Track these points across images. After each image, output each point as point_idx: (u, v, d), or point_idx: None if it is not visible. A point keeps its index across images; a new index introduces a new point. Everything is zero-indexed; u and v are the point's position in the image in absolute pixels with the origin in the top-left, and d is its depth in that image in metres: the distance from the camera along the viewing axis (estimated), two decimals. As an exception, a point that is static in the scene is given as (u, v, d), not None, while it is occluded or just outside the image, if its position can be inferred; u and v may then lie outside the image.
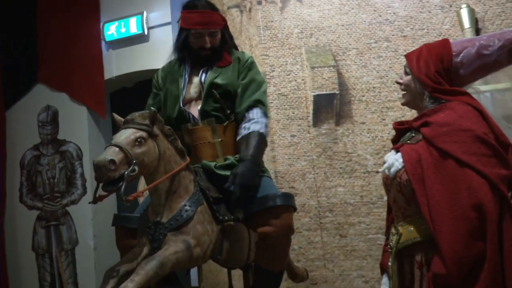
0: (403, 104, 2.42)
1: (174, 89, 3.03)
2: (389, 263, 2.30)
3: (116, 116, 2.64)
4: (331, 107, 4.28)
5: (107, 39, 5.25)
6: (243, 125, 2.89)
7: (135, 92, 5.43)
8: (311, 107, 4.31)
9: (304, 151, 4.29)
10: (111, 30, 5.24)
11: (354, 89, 4.26)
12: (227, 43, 3.07)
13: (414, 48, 2.43)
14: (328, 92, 4.29)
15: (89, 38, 5.33)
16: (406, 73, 2.37)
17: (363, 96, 4.24)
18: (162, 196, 2.59)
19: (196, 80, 3.01)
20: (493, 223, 2.02)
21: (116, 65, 5.28)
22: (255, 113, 2.91)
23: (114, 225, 2.94)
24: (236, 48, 3.18)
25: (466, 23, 3.92)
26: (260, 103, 2.93)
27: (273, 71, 4.35)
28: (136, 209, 2.98)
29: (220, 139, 2.91)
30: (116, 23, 5.23)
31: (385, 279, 2.40)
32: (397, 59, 4.13)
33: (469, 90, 2.47)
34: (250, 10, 4.51)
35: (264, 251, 2.78)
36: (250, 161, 2.77)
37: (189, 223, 2.57)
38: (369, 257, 4.04)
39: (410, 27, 4.19)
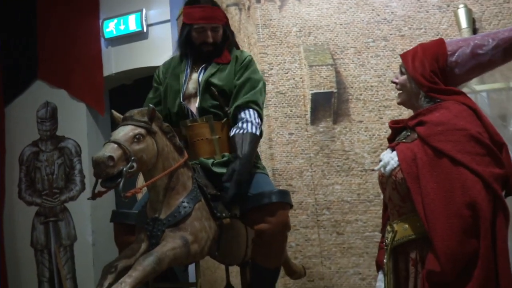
0: (399, 104, 2.44)
1: (175, 84, 3.05)
2: (385, 260, 2.31)
3: (115, 113, 2.66)
4: (329, 106, 4.29)
5: (106, 36, 5.25)
6: (237, 124, 2.90)
7: (134, 89, 5.43)
8: (309, 105, 4.31)
9: (302, 149, 4.30)
10: (110, 27, 5.24)
11: (351, 87, 4.27)
12: (228, 39, 3.08)
13: (411, 48, 2.45)
14: (326, 90, 4.29)
15: (88, 35, 5.33)
16: (402, 73, 2.38)
17: (361, 94, 4.25)
18: (160, 193, 2.61)
19: (195, 76, 3.03)
20: (487, 221, 2.04)
21: (115, 62, 5.28)
22: (248, 113, 2.92)
23: (112, 221, 2.96)
24: (238, 47, 3.19)
25: (464, 23, 3.93)
26: (253, 103, 2.93)
27: (272, 69, 4.36)
28: (134, 205, 2.99)
29: (218, 136, 2.93)
30: (115, 20, 5.22)
31: (380, 276, 2.42)
32: (395, 58, 4.13)
33: (465, 90, 2.50)
34: (249, 8, 4.52)
35: (260, 248, 2.80)
36: (245, 159, 2.78)
37: (187, 220, 2.59)
38: (366, 255, 4.05)
39: (408, 26, 4.19)
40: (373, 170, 3.95)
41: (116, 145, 2.38)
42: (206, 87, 2.95)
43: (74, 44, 5.38)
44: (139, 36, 5.18)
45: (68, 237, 5.30)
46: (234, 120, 2.92)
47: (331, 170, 4.24)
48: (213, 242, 2.74)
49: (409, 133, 2.31)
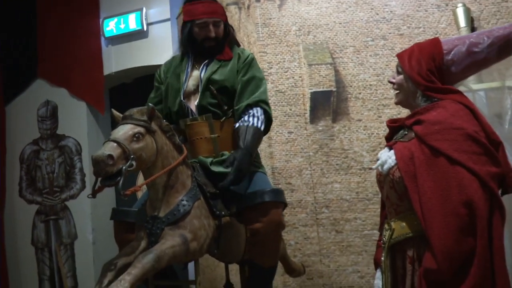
0: (396, 104, 2.45)
1: (175, 83, 3.06)
2: (382, 258, 2.33)
3: (114, 111, 2.67)
4: (328, 104, 4.29)
5: (107, 35, 5.26)
6: (242, 118, 2.92)
7: (134, 87, 5.44)
8: (308, 104, 4.32)
9: (301, 147, 4.30)
10: (111, 26, 5.25)
11: (351, 86, 4.27)
12: (229, 35, 3.10)
13: (409, 47, 2.46)
14: (325, 89, 4.30)
15: (89, 34, 5.34)
16: (398, 73, 2.39)
17: (360, 93, 4.25)
18: (160, 191, 2.62)
19: (196, 73, 3.04)
20: (483, 220, 2.06)
21: (115, 61, 5.29)
22: (255, 110, 2.94)
23: (112, 219, 2.97)
24: (238, 44, 3.20)
25: (462, 22, 3.93)
26: (263, 103, 2.96)
27: (271, 68, 4.37)
28: (134, 203, 3.01)
29: (217, 135, 2.94)
30: (115, 19, 5.23)
31: (378, 274, 2.43)
32: (394, 57, 4.07)
33: (463, 89, 2.51)
34: (248, 7, 4.52)
35: (255, 247, 2.82)
36: (247, 150, 2.79)
37: (186, 218, 2.60)
38: (365, 253, 4.05)
39: (406, 25, 4.19)
40: (371, 168, 3.95)
41: (115, 144, 2.39)
42: (207, 85, 2.97)
43: (74, 42, 5.39)
44: (139, 35, 5.19)
45: (69, 236, 5.32)
46: (240, 118, 2.94)
47: (330, 169, 4.24)
48: (212, 240, 2.75)
49: (406, 132, 2.32)
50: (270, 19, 4.46)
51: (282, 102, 4.36)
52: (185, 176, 2.70)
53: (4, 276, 5.32)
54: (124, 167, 2.36)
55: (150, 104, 2.59)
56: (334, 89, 4.28)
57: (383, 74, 4.16)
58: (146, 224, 2.61)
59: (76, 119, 5.39)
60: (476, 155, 2.12)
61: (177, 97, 3.02)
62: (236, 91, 2.99)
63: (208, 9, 3.02)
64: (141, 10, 5.14)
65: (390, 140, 2.41)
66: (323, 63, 4.31)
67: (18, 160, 5.51)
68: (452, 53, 2.31)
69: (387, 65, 4.17)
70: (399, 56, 2.40)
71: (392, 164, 2.27)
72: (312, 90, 4.31)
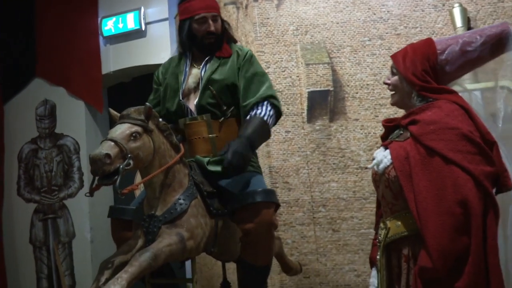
0: (392, 104, 2.46)
1: (174, 83, 3.07)
2: (378, 257, 2.34)
3: (112, 111, 2.69)
4: (325, 104, 4.30)
5: (105, 34, 5.27)
6: (250, 113, 2.93)
7: (132, 87, 5.45)
8: (305, 104, 4.32)
9: (298, 146, 4.31)
10: (109, 26, 5.26)
11: (348, 86, 4.28)
12: (226, 30, 3.11)
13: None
14: (322, 88, 4.30)
15: (87, 33, 5.34)
16: (393, 74, 2.41)
17: (357, 93, 4.26)
18: (157, 190, 2.64)
19: (195, 71, 3.05)
20: (478, 218, 2.07)
21: (114, 60, 5.29)
22: (264, 106, 2.95)
23: (109, 216, 2.98)
24: (235, 40, 3.21)
25: (459, 22, 3.94)
26: (270, 98, 2.97)
27: (269, 67, 4.37)
28: (132, 202, 3.02)
29: (215, 135, 2.95)
30: (113, 19, 5.24)
31: (374, 272, 2.45)
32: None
33: (459, 89, 2.52)
34: (246, 7, 4.53)
35: (247, 247, 2.83)
36: (245, 138, 2.80)
37: (183, 216, 2.61)
38: (361, 251, 4.06)
39: (403, 25, 4.19)
40: (367, 168, 3.96)
41: (113, 143, 2.41)
42: (207, 85, 2.98)
43: (73, 42, 5.39)
44: (137, 34, 5.20)
45: (67, 234, 5.32)
46: (247, 115, 2.96)
47: (327, 168, 4.25)
48: (209, 238, 2.76)
49: (402, 132, 2.34)
50: (268, 18, 4.46)
51: (279, 102, 4.37)
52: (182, 175, 2.71)
53: (2, 275, 5.33)
54: (121, 166, 2.38)
55: (147, 103, 2.60)
56: (331, 89, 4.29)
57: (380, 73, 4.16)
58: (143, 223, 2.63)
59: (74, 118, 5.40)
60: (470, 154, 2.14)
61: (175, 97, 3.03)
62: (237, 88, 2.99)
63: (205, 5, 3.04)
64: (139, 9, 5.15)
65: (385, 140, 2.43)
66: (320, 63, 4.32)
67: (16, 159, 5.51)
68: (446, 52, 2.33)
69: (384, 65, 4.17)
70: (393, 57, 2.42)
71: (388, 164, 2.28)
72: (309, 90, 4.32)
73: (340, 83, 4.29)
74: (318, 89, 4.31)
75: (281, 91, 4.32)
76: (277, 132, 4.28)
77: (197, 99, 2.98)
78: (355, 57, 4.28)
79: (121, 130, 2.49)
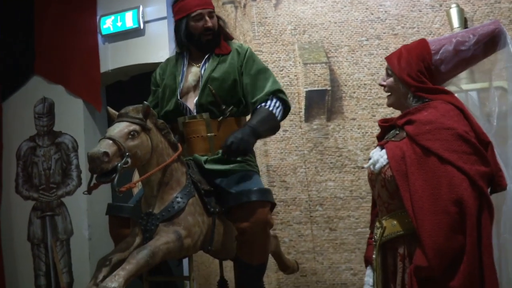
0: (388, 106, 2.48)
1: (171, 83, 3.08)
2: (374, 256, 2.36)
3: (110, 109, 2.70)
4: (322, 103, 4.30)
5: (103, 32, 5.26)
6: (257, 107, 2.97)
7: (131, 85, 5.45)
8: (303, 103, 4.33)
9: (296, 145, 4.32)
10: (107, 24, 5.26)
11: (345, 85, 4.28)
12: (221, 27, 3.12)
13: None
14: (320, 88, 4.31)
15: (86, 31, 5.34)
16: (388, 75, 2.42)
17: (354, 92, 4.26)
18: (155, 188, 2.65)
19: (195, 70, 3.06)
20: (473, 218, 2.09)
21: (112, 59, 5.29)
22: (270, 99, 2.98)
23: (107, 214, 3.00)
24: (231, 37, 3.22)
25: (455, 22, 3.94)
26: (278, 92, 3.00)
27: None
28: (130, 200, 3.04)
29: (213, 134, 2.96)
30: (112, 17, 5.23)
31: (369, 271, 2.47)
32: (387, 57, 4.16)
33: (455, 89, 2.54)
34: (244, 6, 4.53)
35: (242, 245, 2.85)
36: (249, 126, 2.84)
37: (180, 215, 2.63)
38: (358, 250, 4.06)
39: (401, 25, 4.20)
40: (363, 167, 3.97)
41: (111, 141, 2.42)
42: (207, 83, 2.99)
43: (72, 40, 5.39)
44: (136, 32, 5.19)
45: (65, 232, 5.32)
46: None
47: (325, 167, 4.26)
48: (206, 237, 2.78)
49: (398, 132, 2.35)
50: (266, 18, 4.47)
51: (277, 101, 4.37)
52: (179, 174, 2.72)
53: (1, 272, 5.33)
54: (119, 164, 2.40)
55: (145, 102, 2.61)
56: (329, 88, 4.29)
57: (378, 73, 4.16)
58: (140, 221, 2.64)
59: (73, 116, 5.40)
60: (466, 154, 2.15)
61: (173, 96, 3.04)
62: (237, 85, 3.01)
63: (200, 1, 3.05)
64: (138, 8, 5.14)
65: (381, 140, 2.44)
66: (318, 62, 4.32)
67: (14, 156, 5.51)
68: (440, 52, 2.35)
69: (381, 65, 4.17)
70: (388, 58, 2.43)
71: (384, 163, 2.30)
72: (307, 89, 4.32)
73: (338, 82, 4.29)
74: (315, 88, 4.31)
75: (279, 90, 4.33)
76: (274, 131, 4.28)
77: (197, 98, 2.99)
78: (352, 57, 4.28)
79: (119, 128, 2.50)
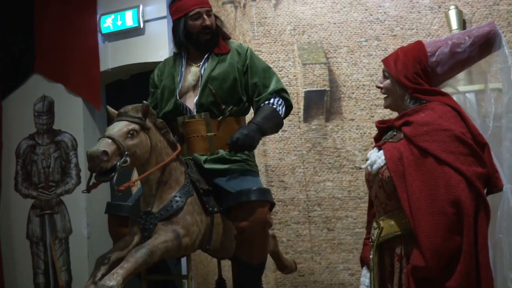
0: (385, 107, 2.49)
1: (170, 84, 3.08)
2: (371, 256, 2.37)
3: (110, 108, 2.71)
4: (321, 104, 4.31)
5: (103, 31, 5.26)
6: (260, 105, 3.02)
7: (131, 84, 5.46)
8: (302, 103, 4.34)
9: (294, 146, 4.33)
10: (107, 23, 5.26)
11: (344, 86, 4.29)
12: (218, 26, 3.13)
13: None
14: (319, 88, 4.31)
15: (86, 30, 5.34)
16: (385, 77, 2.43)
17: (353, 93, 4.27)
18: (153, 187, 2.66)
19: (194, 69, 3.07)
20: (470, 218, 2.10)
21: (112, 58, 5.29)
22: (274, 97, 3.03)
23: (106, 212, 3.01)
24: (228, 36, 3.23)
25: (454, 24, 3.95)
26: (282, 92, 3.05)
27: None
28: (129, 199, 3.05)
29: (213, 134, 2.98)
30: (112, 16, 5.24)
31: (365, 271, 2.48)
32: (385, 59, 4.16)
33: (450, 91, 2.55)
34: (244, 6, 4.54)
35: (242, 245, 2.86)
36: (254, 123, 2.88)
37: (179, 214, 2.64)
38: (355, 251, 4.07)
39: (400, 26, 4.21)
40: (360, 168, 3.98)
41: (110, 140, 2.43)
42: (207, 82, 3.00)
43: (72, 38, 5.39)
44: (135, 31, 5.20)
45: (64, 230, 5.32)
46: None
47: (323, 167, 4.27)
48: (204, 236, 2.79)
49: (395, 133, 2.36)
50: (266, 18, 4.47)
51: (276, 101, 4.37)
52: (178, 173, 2.73)
53: (-1, 270, 5.35)
54: (118, 163, 2.41)
55: (145, 101, 2.62)
56: (328, 89, 4.30)
57: (376, 74, 4.17)
58: (139, 219, 2.65)
59: (72, 114, 5.40)
60: (463, 155, 2.17)
61: (172, 97, 3.04)
62: (237, 85, 3.02)
63: (198, 0, 3.06)
64: (138, 7, 5.14)
65: (379, 141, 2.45)
66: (317, 63, 4.33)
67: (14, 154, 5.51)
68: (436, 54, 2.36)
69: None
70: (385, 61, 2.44)
71: (382, 164, 2.31)
72: (306, 89, 4.33)
73: (337, 83, 4.30)
74: (314, 89, 4.32)
75: (278, 91, 4.34)
76: (273, 131, 4.29)
77: (197, 97, 3.00)
78: (351, 58, 4.29)
79: (119, 127, 2.51)
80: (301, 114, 4.33)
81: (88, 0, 5.37)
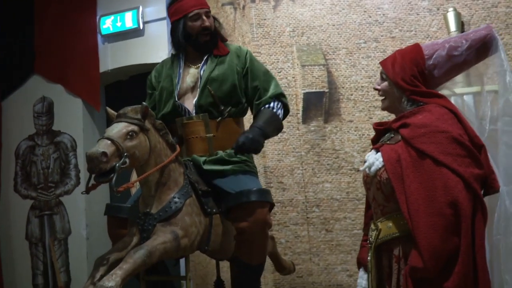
0: (383, 109, 2.51)
1: (168, 85, 3.09)
2: (369, 258, 2.37)
3: (109, 110, 2.72)
4: (320, 105, 4.32)
5: (103, 32, 5.28)
6: (260, 108, 3.03)
7: (130, 85, 5.46)
8: (301, 105, 4.34)
9: (293, 147, 4.33)
10: (107, 24, 5.27)
11: (343, 87, 4.30)
12: (216, 28, 3.14)
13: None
14: (317, 90, 4.32)
15: (85, 31, 5.35)
16: (383, 79, 2.45)
17: (352, 95, 4.28)
18: (152, 188, 2.67)
19: (193, 71, 3.07)
20: (468, 220, 2.12)
21: (112, 59, 5.31)
22: (273, 101, 3.04)
23: (106, 214, 3.01)
24: (226, 39, 3.23)
25: (452, 26, 3.96)
26: (281, 96, 3.07)
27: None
28: (128, 200, 3.05)
29: (212, 135, 2.98)
30: (112, 17, 5.25)
31: (361, 273, 2.49)
32: (383, 61, 4.17)
33: (447, 93, 2.57)
34: (243, 7, 4.55)
35: (241, 245, 2.87)
36: (256, 127, 2.89)
37: (177, 215, 2.65)
38: (354, 252, 4.06)
39: (398, 28, 4.21)
40: (358, 170, 3.99)
41: (109, 142, 2.44)
42: (207, 84, 3.00)
43: (71, 39, 5.40)
44: (135, 33, 5.21)
45: (63, 231, 5.33)
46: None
47: (322, 169, 4.27)
48: (203, 237, 2.79)
49: (392, 135, 2.37)
50: (265, 19, 4.48)
51: (275, 102, 4.38)
52: (177, 174, 2.74)
53: (-2, 270, 5.35)
54: (117, 164, 2.41)
55: (144, 102, 2.63)
56: (327, 90, 4.30)
57: (375, 76, 4.17)
58: (138, 220, 2.66)
59: (72, 115, 5.41)
60: (460, 157, 2.18)
61: (171, 98, 3.05)
62: (236, 87, 3.03)
63: (197, 1, 3.07)
64: (137, 8, 5.16)
65: (376, 143, 2.46)
66: (316, 64, 4.33)
67: (13, 155, 5.52)
68: (433, 57, 2.38)
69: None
70: (382, 63, 2.46)
71: (380, 166, 2.32)
72: (305, 91, 4.33)
73: (335, 84, 4.31)
74: (313, 90, 4.32)
75: (277, 92, 4.35)
76: (272, 132, 4.30)
77: (196, 98, 3.01)
78: (350, 59, 4.29)
79: (118, 129, 2.52)
80: (300, 115, 4.33)
81: (87, 1, 5.39)
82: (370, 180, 2.37)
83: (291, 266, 3.68)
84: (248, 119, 3.19)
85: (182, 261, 3.11)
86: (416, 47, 2.43)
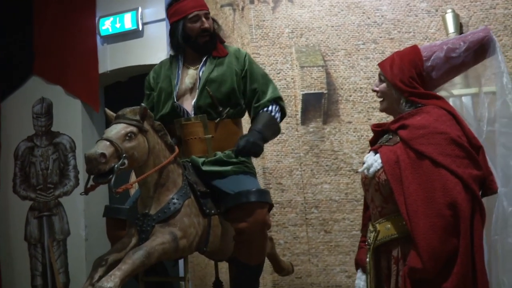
0: (381, 111, 2.51)
1: (167, 86, 3.09)
2: (367, 259, 2.38)
3: (108, 111, 2.72)
4: (319, 106, 4.32)
5: (102, 33, 5.28)
6: (258, 111, 3.05)
7: (129, 86, 5.46)
8: (299, 106, 4.34)
9: (292, 148, 4.34)
10: (106, 25, 5.27)
11: (341, 89, 4.30)
12: (215, 29, 3.14)
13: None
14: (316, 91, 4.32)
15: (85, 32, 5.35)
16: (381, 81, 2.45)
17: (350, 96, 4.28)
18: (151, 189, 2.67)
19: (192, 72, 3.08)
20: (466, 220, 2.12)
21: (111, 60, 5.30)
22: (271, 105, 3.06)
23: (105, 216, 3.01)
24: (223, 41, 3.24)
25: (451, 27, 3.96)
26: (279, 100, 3.09)
27: (264, 69, 4.39)
28: (127, 201, 3.06)
29: (211, 136, 2.99)
30: (111, 18, 5.25)
31: (359, 274, 2.50)
32: (382, 62, 4.17)
33: (444, 94, 2.57)
34: (242, 9, 4.55)
35: (240, 246, 2.87)
36: (256, 130, 2.91)
37: (176, 216, 2.65)
38: (352, 253, 4.06)
39: (397, 30, 4.21)
40: (357, 171, 3.99)
41: (108, 143, 2.45)
42: (205, 85, 3.01)
43: (70, 40, 5.40)
44: (134, 34, 5.21)
45: (62, 232, 5.33)
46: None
47: (320, 170, 4.27)
48: (201, 238, 2.79)
49: (391, 136, 2.38)
50: (264, 21, 4.49)
51: (274, 103, 4.38)
52: (176, 175, 2.75)
53: (-3, 271, 5.35)
54: (116, 165, 2.42)
55: (143, 104, 2.63)
56: (325, 91, 4.31)
57: (374, 77, 4.16)
58: (137, 221, 2.66)
59: (71, 116, 5.41)
60: (459, 158, 2.18)
61: (169, 99, 3.06)
62: (235, 88, 3.04)
63: (196, 3, 3.08)
64: (137, 9, 5.16)
65: (374, 144, 2.47)
66: (315, 66, 4.34)
67: (12, 156, 5.52)
68: (431, 59, 2.39)
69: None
70: (381, 65, 2.46)
71: (378, 167, 2.32)
72: (303, 92, 4.34)
73: (334, 86, 4.31)
74: (312, 91, 4.33)
75: (276, 93, 4.35)
76: (271, 133, 4.30)
77: (194, 100, 3.01)
78: (349, 61, 4.29)
79: (117, 130, 2.52)
80: (298, 116, 4.34)
81: (87, 2, 5.38)
82: (369, 181, 2.38)
83: (289, 267, 3.68)
84: (246, 120, 3.20)
85: (181, 262, 3.11)
86: (414, 49, 2.44)
